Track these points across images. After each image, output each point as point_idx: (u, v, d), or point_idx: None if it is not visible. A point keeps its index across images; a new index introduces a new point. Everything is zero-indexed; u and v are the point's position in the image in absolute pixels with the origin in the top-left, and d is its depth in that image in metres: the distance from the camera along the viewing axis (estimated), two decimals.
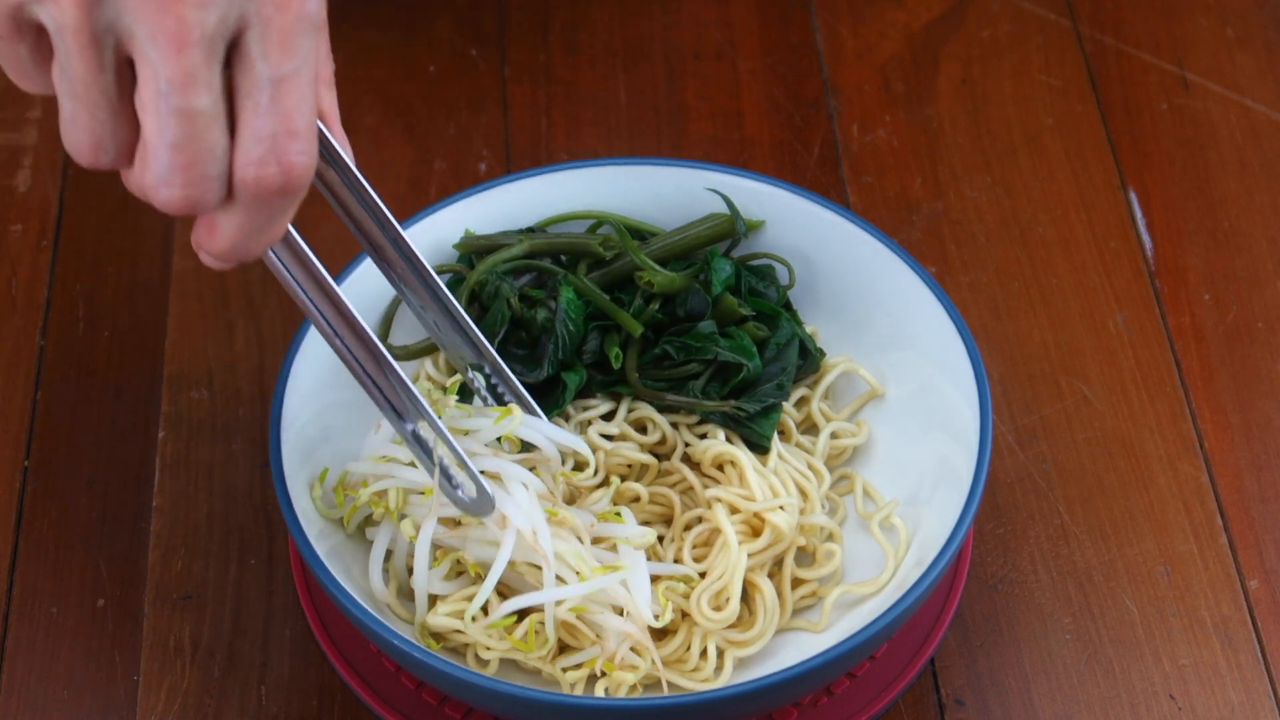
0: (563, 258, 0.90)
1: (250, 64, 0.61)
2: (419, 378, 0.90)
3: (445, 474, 0.78)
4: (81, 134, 0.63)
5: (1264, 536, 0.91)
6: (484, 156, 1.07)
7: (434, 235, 0.90)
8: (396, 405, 0.77)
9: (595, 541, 0.82)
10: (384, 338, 0.89)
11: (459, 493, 0.79)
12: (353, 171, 0.72)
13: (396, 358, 0.88)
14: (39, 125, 1.09)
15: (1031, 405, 0.96)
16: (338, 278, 0.87)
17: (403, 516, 0.81)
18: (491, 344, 0.86)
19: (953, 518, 0.80)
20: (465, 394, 0.86)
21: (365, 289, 0.88)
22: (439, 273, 0.90)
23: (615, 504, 0.84)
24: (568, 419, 0.87)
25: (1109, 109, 1.09)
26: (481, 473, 0.80)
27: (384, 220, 0.75)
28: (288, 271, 0.72)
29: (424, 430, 0.78)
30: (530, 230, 0.91)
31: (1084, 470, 0.93)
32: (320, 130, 0.69)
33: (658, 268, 0.88)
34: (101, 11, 0.60)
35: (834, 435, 0.89)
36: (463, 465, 0.78)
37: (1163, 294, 1.00)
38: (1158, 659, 0.87)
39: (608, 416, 0.87)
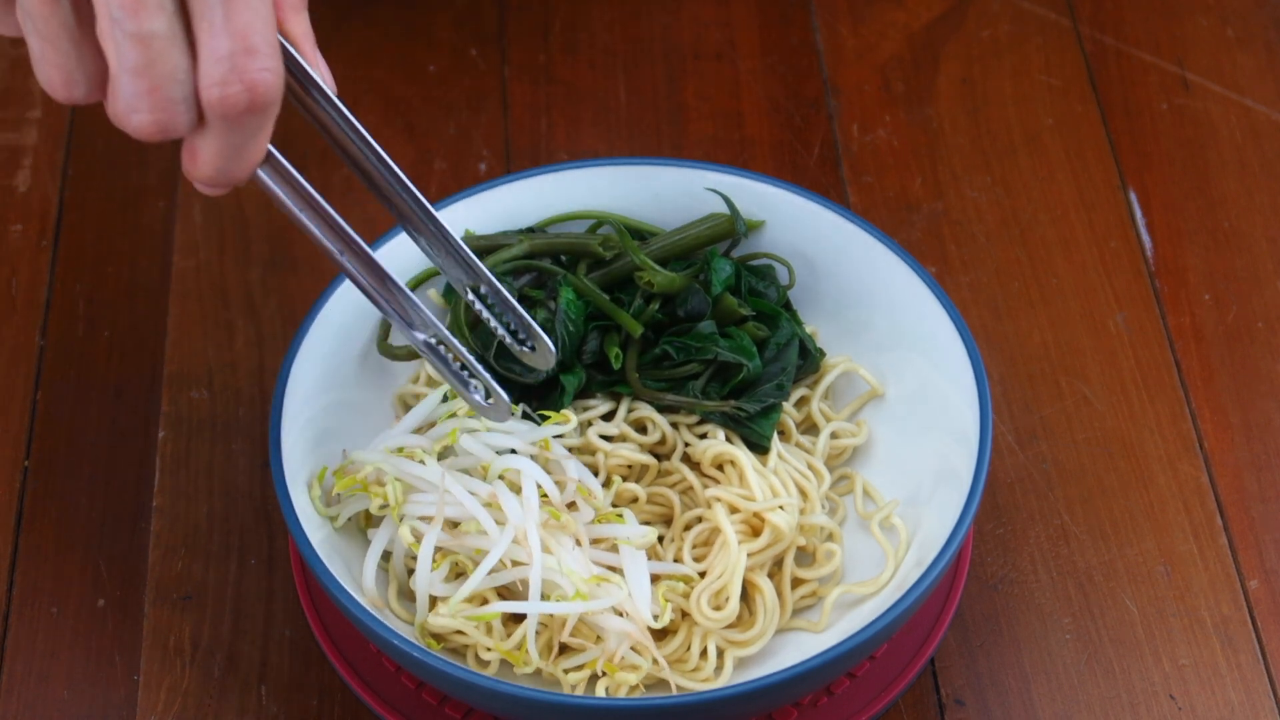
0: (563, 258, 0.90)
1: None
2: (418, 379, 0.90)
3: (461, 380, 0.79)
4: (51, 70, 0.64)
5: (1264, 536, 0.91)
6: (484, 156, 1.07)
7: None
8: (405, 316, 0.77)
9: (595, 542, 0.82)
10: (384, 336, 0.89)
11: (475, 396, 0.80)
12: (330, 96, 0.71)
13: (397, 358, 0.88)
14: (39, 125, 1.09)
15: (1031, 405, 0.96)
16: None
17: (402, 516, 0.81)
18: (490, 346, 0.86)
19: (953, 518, 0.80)
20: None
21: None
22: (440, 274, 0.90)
23: (615, 505, 0.84)
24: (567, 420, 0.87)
25: (1109, 109, 1.09)
26: (500, 477, 0.81)
27: (366, 144, 0.74)
28: (283, 195, 0.71)
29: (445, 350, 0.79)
30: (530, 230, 0.91)
31: (1084, 470, 0.93)
32: (295, 57, 0.69)
33: (658, 268, 0.88)
34: None
35: (834, 435, 0.89)
36: (477, 374, 0.79)
37: (1163, 294, 1.00)
38: (1158, 659, 0.87)
39: (607, 417, 0.87)
